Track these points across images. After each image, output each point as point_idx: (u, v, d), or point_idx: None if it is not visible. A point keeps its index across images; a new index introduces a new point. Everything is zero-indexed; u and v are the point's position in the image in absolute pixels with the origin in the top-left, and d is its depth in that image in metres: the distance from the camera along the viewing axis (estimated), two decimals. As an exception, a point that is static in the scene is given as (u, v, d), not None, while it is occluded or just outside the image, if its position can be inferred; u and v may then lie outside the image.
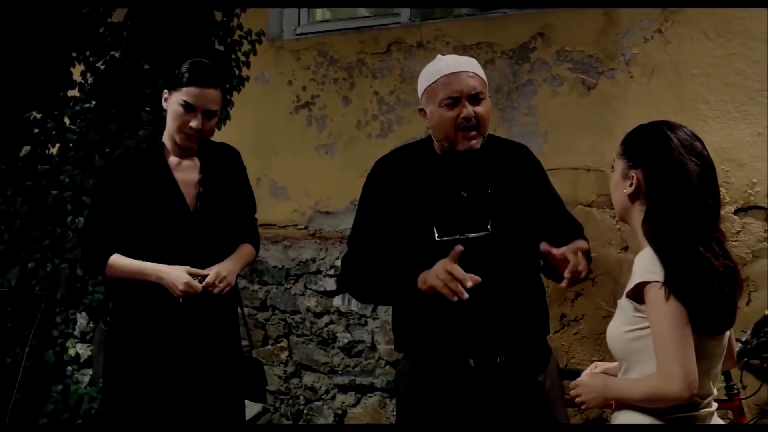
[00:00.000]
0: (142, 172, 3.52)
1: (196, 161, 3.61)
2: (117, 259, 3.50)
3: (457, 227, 3.13)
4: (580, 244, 2.95)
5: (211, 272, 3.51)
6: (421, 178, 3.21)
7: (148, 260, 3.49)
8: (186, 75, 3.48)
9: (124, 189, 3.50)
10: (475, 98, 3.12)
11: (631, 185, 2.53)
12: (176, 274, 3.45)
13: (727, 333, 2.56)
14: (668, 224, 2.45)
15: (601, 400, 2.61)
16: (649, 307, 2.44)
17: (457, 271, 2.87)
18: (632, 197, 2.54)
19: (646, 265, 2.46)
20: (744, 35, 4.22)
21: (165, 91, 3.54)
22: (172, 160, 3.57)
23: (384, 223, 3.22)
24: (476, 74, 3.15)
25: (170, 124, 3.53)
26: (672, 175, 2.46)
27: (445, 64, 3.17)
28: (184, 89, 3.47)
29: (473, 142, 3.13)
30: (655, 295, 2.41)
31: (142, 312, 3.53)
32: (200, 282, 3.47)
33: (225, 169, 3.68)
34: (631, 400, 2.51)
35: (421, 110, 3.21)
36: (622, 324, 2.53)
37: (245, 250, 3.73)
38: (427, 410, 3.17)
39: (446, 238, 3.12)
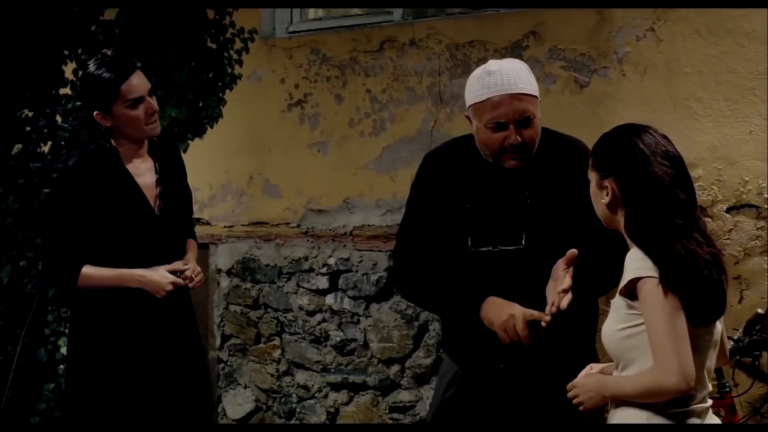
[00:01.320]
0: (103, 180, 3.48)
1: (151, 162, 3.60)
2: (90, 270, 3.45)
3: (491, 239, 3.09)
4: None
5: (190, 267, 3.54)
6: (464, 183, 3.15)
7: (116, 266, 3.46)
8: (113, 79, 3.42)
9: (88, 198, 3.45)
10: (524, 121, 3.02)
11: (607, 194, 2.57)
12: (159, 275, 3.45)
13: (719, 327, 2.57)
14: (649, 225, 2.48)
15: (598, 399, 2.62)
16: (643, 302, 2.46)
17: (524, 333, 2.91)
18: (611, 206, 2.58)
19: (637, 262, 2.49)
20: (736, 33, 4.22)
21: (96, 113, 3.46)
22: (130, 165, 3.54)
23: (426, 225, 3.20)
24: (525, 94, 3.02)
25: (127, 129, 3.48)
26: (644, 180, 2.51)
27: (495, 82, 3.02)
28: (122, 91, 3.42)
29: (517, 162, 3.06)
30: (648, 290, 2.43)
31: (115, 316, 3.50)
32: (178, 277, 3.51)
33: (174, 166, 3.69)
34: (628, 397, 2.52)
35: (467, 117, 3.13)
36: (616, 322, 2.55)
37: (195, 247, 3.78)
38: (453, 404, 3.18)
39: (479, 249, 3.10)
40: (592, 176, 2.63)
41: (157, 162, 3.60)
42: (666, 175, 2.50)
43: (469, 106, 3.10)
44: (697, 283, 2.44)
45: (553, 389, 3.05)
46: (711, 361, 2.56)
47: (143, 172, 3.57)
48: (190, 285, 3.57)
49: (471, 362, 3.18)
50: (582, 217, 3.05)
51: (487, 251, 3.09)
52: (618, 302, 2.56)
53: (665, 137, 2.59)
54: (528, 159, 3.08)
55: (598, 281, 3.05)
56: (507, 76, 3.03)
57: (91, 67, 3.51)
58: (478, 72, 3.11)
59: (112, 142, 3.53)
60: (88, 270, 3.45)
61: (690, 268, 2.44)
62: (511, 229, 3.08)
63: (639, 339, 2.48)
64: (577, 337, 3.18)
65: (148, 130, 3.50)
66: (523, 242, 3.07)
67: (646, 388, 2.45)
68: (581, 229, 3.07)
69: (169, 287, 3.44)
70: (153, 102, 3.49)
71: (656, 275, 2.43)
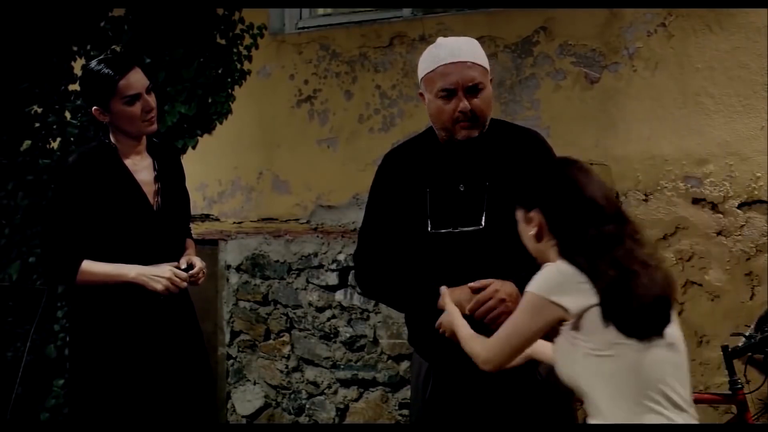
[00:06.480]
0: (103, 176, 3.47)
1: (149, 160, 3.60)
2: (91, 265, 3.43)
3: (451, 220, 3.12)
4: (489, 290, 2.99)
5: (197, 264, 3.54)
6: (422, 170, 3.19)
7: (114, 262, 3.46)
8: (109, 76, 3.42)
9: (87, 194, 3.44)
10: (473, 89, 3.06)
11: (534, 226, 2.62)
12: (158, 267, 3.46)
13: (675, 352, 2.54)
14: (577, 249, 2.52)
15: (450, 332, 2.91)
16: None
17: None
18: (538, 236, 2.62)
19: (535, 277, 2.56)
20: (748, 29, 4.20)
21: (94, 109, 3.47)
22: (128, 161, 3.54)
23: (387, 218, 3.23)
24: (475, 63, 3.09)
25: (125, 125, 3.48)
26: (570, 205, 2.56)
27: (443, 52, 3.11)
28: (119, 87, 3.42)
29: (469, 131, 3.09)
30: (526, 296, 2.54)
31: (115, 314, 3.50)
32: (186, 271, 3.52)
33: (172, 166, 3.70)
34: (461, 342, 2.79)
35: (421, 94, 3.19)
36: (560, 357, 2.61)
37: (194, 246, 3.79)
38: (430, 403, 3.18)
39: (439, 231, 3.12)
40: (519, 214, 2.69)
41: (156, 160, 3.61)
42: (590, 200, 2.54)
43: (421, 80, 3.16)
44: (626, 300, 2.44)
45: (521, 377, 3.09)
46: (670, 384, 2.49)
47: (142, 168, 3.57)
48: (198, 283, 3.58)
49: (440, 358, 3.19)
50: None
51: (447, 233, 3.11)
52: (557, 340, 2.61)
53: (588, 168, 2.64)
54: (480, 130, 3.11)
55: None
56: (454, 47, 3.12)
57: (91, 63, 3.52)
58: (428, 48, 3.19)
59: (111, 138, 3.54)
60: (88, 265, 3.45)
61: (618, 287, 2.45)
62: (470, 210, 3.11)
63: (582, 365, 2.51)
64: None
65: (145, 127, 3.51)
66: (482, 223, 3.09)
67: (469, 349, 2.72)
68: None
69: (168, 274, 3.44)
70: (150, 99, 3.50)
71: (535, 291, 2.50)
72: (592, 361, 2.47)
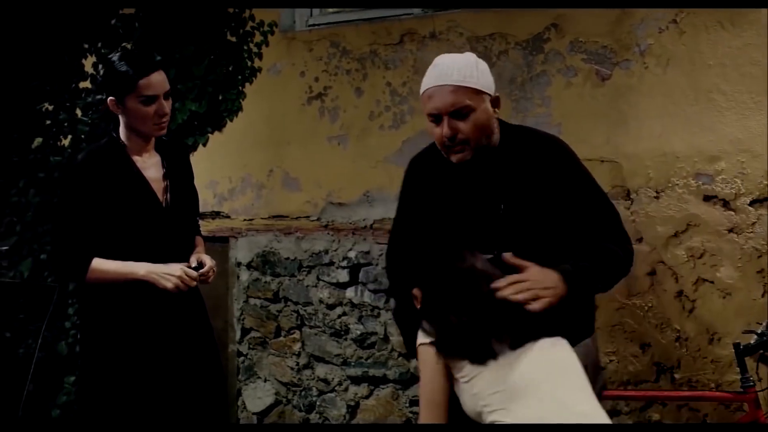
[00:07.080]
0: (112, 174, 3.49)
1: (158, 157, 3.62)
2: (101, 263, 3.46)
3: (467, 248, 3.09)
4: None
5: (207, 263, 3.56)
6: (440, 191, 3.19)
7: (125, 259, 3.47)
8: (130, 73, 3.44)
9: (96, 191, 3.46)
10: (458, 114, 3.03)
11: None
12: (169, 266, 3.47)
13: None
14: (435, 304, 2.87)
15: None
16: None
17: None
18: None
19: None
20: (759, 25, 4.19)
21: (110, 99, 3.49)
22: (137, 158, 3.56)
23: (411, 233, 3.29)
24: (459, 86, 3.04)
25: (136, 124, 3.51)
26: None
27: (434, 74, 3.09)
28: (139, 85, 3.44)
29: (461, 155, 3.08)
30: (419, 354, 2.87)
31: (125, 312, 3.50)
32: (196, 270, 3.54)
33: (180, 163, 3.72)
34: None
35: None
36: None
37: (203, 243, 3.84)
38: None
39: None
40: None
41: (165, 158, 3.63)
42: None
43: (421, 99, 3.18)
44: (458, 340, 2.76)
45: None
46: (543, 383, 2.71)
47: (150, 166, 3.59)
48: (208, 281, 3.60)
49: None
50: (560, 219, 3.11)
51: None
52: None
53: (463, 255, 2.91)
54: (472, 152, 3.09)
55: (597, 280, 3.09)
56: (445, 68, 3.08)
57: (116, 56, 3.53)
58: (428, 68, 3.16)
59: (121, 132, 3.55)
60: (98, 263, 3.46)
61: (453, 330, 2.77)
62: (484, 239, 3.08)
63: (464, 393, 2.79)
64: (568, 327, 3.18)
65: (155, 130, 3.53)
66: (495, 251, 3.04)
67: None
68: (558, 232, 3.10)
69: (178, 272, 3.45)
70: (166, 104, 3.51)
71: (418, 342, 2.84)
72: (466, 387, 2.75)
